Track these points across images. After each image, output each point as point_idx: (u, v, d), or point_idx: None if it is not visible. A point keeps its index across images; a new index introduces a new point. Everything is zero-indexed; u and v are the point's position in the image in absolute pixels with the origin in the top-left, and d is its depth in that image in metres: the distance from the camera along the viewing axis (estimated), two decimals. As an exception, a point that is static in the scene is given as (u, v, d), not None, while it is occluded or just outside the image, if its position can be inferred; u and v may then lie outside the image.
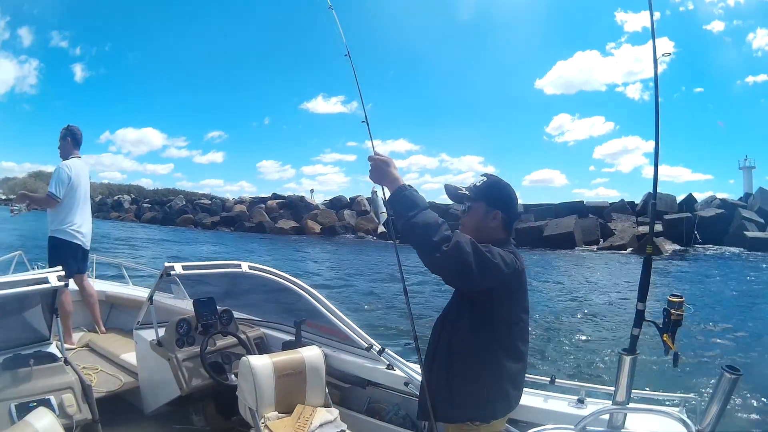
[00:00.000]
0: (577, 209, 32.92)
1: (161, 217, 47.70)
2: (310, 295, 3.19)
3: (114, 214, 53.10)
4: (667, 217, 29.19)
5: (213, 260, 3.50)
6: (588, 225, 30.56)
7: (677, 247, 27.28)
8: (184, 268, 2.94)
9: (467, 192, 1.97)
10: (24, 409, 2.07)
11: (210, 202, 50.19)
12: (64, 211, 4.14)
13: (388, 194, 1.85)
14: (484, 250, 1.69)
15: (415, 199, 1.74)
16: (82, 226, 4.25)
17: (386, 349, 2.91)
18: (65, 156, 4.26)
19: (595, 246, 28.98)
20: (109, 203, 57.98)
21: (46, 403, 2.22)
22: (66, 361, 2.53)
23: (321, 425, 2.50)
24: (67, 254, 4.11)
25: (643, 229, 26.99)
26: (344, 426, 2.55)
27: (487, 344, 1.82)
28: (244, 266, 3.16)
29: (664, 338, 1.77)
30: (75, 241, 4.18)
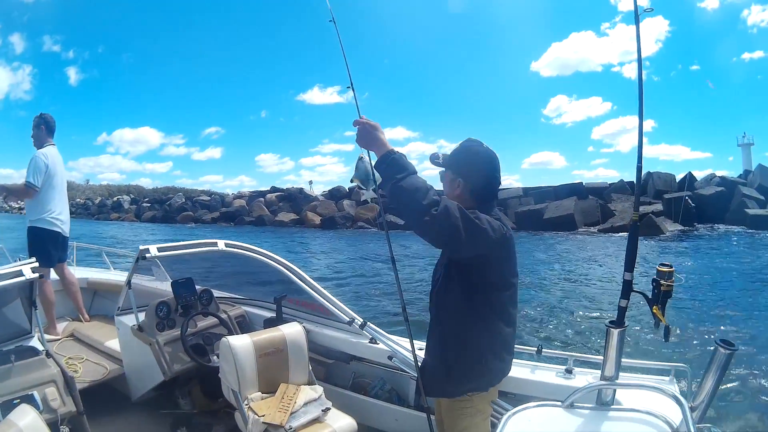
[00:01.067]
0: (577, 191, 32.94)
1: (161, 216, 48.09)
2: (289, 270, 3.17)
3: (114, 215, 53.57)
4: (667, 196, 29.13)
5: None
6: (588, 206, 30.56)
7: (679, 227, 27.25)
8: (160, 249, 2.91)
9: (441, 160, 1.98)
10: (8, 407, 2.04)
11: (209, 198, 50.35)
12: (42, 200, 4.09)
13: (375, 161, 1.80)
14: (472, 216, 1.67)
15: (404, 164, 1.71)
16: (61, 213, 4.21)
17: (368, 323, 2.91)
18: (39, 144, 4.19)
19: (596, 227, 29.02)
20: (108, 204, 58.38)
21: (30, 399, 2.20)
22: (48, 354, 2.50)
23: (306, 403, 2.48)
24: (48, 243, 4.09)
25: (644, 209, 26.89)
26: (329, 403, 2.54)
27: (480, 311, 1.83)
28: (221, 244, 3.13)
29: (654, 310, 1.73)
30: (55, 229, 4.15)
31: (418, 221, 1.62)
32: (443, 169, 1.99)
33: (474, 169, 1.89)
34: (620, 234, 26.61)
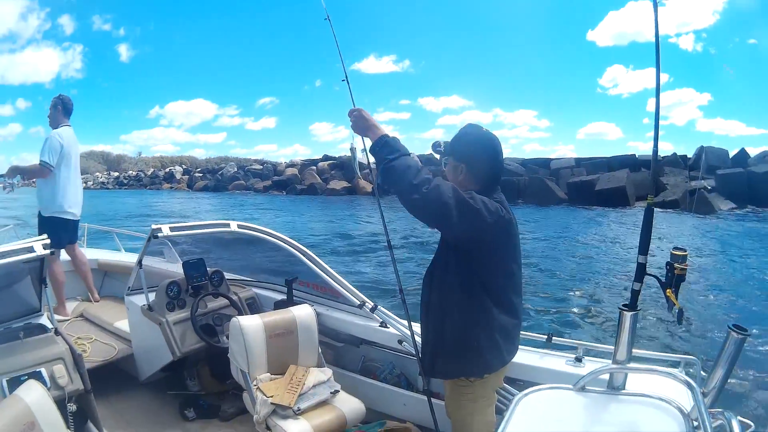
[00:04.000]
0: (630, 163, 33.14)
1: (213, 185, 51.39)
2: (300, 252, 3.31)
3: (166, 185, 57.75)
4: (719, 172, 28.55)
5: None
6: (640, 179, 30.35)
7: (732, 205, 26.65)
8: (172, 229, 3.04)
9: (442, 148, 2.11)
10: (16, 383, 2.15)
11: (261, 167, 53.28)
12: (55, 186, 4.24)
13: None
14: (466, 196, 1.80)
15: (397, 146, 1.89)
16: (73, 198, 4.37)
17: (379, 306, 3.04)
18: (55, 124, 4.36)
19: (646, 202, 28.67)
20: (160, 175, 62.22)
21: (37, 376, 2.32)
22: (56, 332, 2.64)
23: (314, 386, 2.63)
24: (59, 230, 4.26)
25: (696, 183, 26.67)
26: (338, 386, 2.69)
27: (475, 295, 1.94)
28: (233, 225, 3.27)
29: (668, 293, 1.78)
30: (66, 217, 4.33)
31: (409, 199, 1.77)
32: (447, 157, 2.10)
33: (476, 154, 2.01)
34: (672, 210, 26.02)
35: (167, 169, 64.78)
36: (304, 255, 3.30)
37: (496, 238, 1.92)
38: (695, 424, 1.51)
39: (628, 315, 1.82)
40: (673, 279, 1.78)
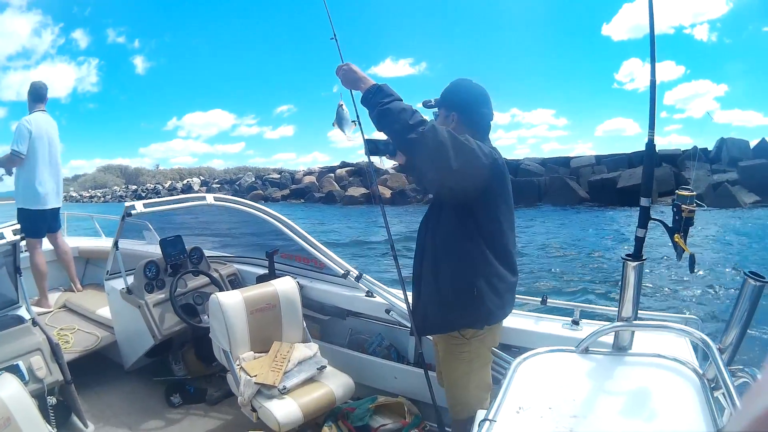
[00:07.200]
0: None
1: (231, 196, 51.78)
2: (281, 222, 3.26)
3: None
4: (742, 164, 28.27)
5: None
6: (662, 175, 29.92)
7: (756, 197, 26.30)
8: (146, 206, 3.00)
9: (433, 103, 2.14)
10: None
11: (279, 176, 54.09)
12: (28, 174, 4.22)
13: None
14: (461, 137, 1.83)
15: (389, 91, 1.90)
16: (48, 186, 4.34)
17: (364, 275, 2.97)
18: (30, 112, 4.34)
19: (671, 198, 28.48)
20: (178, 188, 63.17)
21: (15, 369, 2.31)
22: (34, 322, 2.61)
23: (300, 362, 2.57)
24: (37, 220, 4.24)
25: (719, 177, 26.49)
26: (325, 361, 2.62)
27: (471, 235, 1.95)
28: (209, 198, 3.24)
29: (676, 239, 1.67)
30: (41, 207, 4.29)
31: (405, 139, 1.79)
32: (437, 109, 2.13)
33: (466, 102, 2.06)
34: (698, 208, 25.53)
35: (185, 181, 66.44)
36: (285, 225, 3.25)
37: (491, 182, 1.93)
38: (712, 385, 1.40)
39: (632, 266, 1.71)
40: (682, 222, 1.67)
